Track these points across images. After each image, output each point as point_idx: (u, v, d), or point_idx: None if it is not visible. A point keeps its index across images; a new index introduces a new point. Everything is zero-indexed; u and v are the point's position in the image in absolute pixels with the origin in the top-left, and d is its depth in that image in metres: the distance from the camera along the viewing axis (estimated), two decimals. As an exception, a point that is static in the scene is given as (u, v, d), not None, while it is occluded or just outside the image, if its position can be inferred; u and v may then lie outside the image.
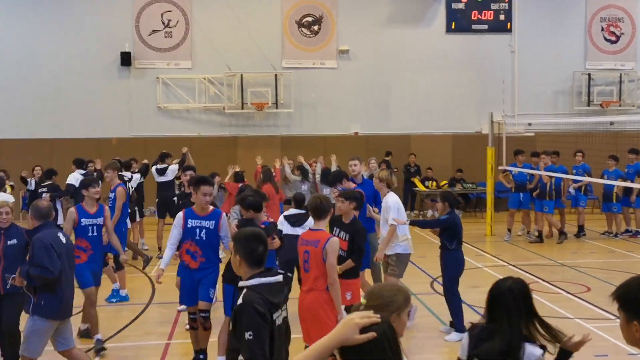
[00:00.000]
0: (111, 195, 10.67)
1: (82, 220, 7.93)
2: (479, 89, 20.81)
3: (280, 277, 3.94)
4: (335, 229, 7.30)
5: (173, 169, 14.03)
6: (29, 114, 19.63)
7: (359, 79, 20.59)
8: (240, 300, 3.80)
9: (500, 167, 16.11)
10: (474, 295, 9.84)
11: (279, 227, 9.23)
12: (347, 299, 6.76)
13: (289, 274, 9.51)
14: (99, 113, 19.80)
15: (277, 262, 9.45)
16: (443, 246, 8.35)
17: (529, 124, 18.42)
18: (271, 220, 8.75)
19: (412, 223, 8.90)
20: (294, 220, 9.20)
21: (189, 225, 7.06)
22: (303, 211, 9.52)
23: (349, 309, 6.57)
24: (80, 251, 7.88)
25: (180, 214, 7.19)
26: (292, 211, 9.63)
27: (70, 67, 19.74)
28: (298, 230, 9.19)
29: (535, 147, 16.87)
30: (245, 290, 3.83)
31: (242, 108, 19.93)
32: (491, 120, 16.38)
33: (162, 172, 14.19)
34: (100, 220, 8.06)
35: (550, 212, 14.86)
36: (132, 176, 14.06)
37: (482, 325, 3.64)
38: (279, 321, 3.85)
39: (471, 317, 8.64)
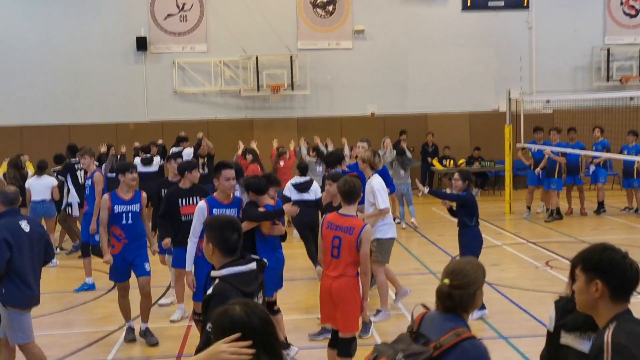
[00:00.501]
0: (88, 182, 10.18)
1: (115, 207, 7.48)
2: (496, 66, 20.62)
3: (253, 265, 3.81)
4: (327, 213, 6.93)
5: (188, 152, 14.15)
6: (46, 100, 19.77)
7: (375, 59, 20.46)
8: (210, 291, 3.69)
9: (518, 145, 15.99)
10: (494, 274, 9.84)
11: (287, 194, 9.80)
12: None
13: (307, 236, 9.93)
14: (116, 98, 19.89)
15: (294, 229, 9.87)
16: (462, 224, 8.30)
17: (547, 101, 18.23)
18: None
19: (431, 192, 9.01)
20: (303, 187, 10.04)
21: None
22: (307, 178, 10.35)
23: None
24: (115, 240, 7.54)
25: (203, 204, 6.67)
26: (298, 179, 10.13)
27: (87, 52, 19.80)
28: (305, 196, 10.03)
29: (554, 124, 16.71)
30: (217, 281, 3.71)
31: (258, 90, 19.91)
32: (509, 98, 16.23)
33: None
34: (136, 207, 7.58)
35: (558, 189, 14.77)
36: (153, 159, 14.26)
37: (568, 296, 3.65)
38: None
39: (491, 295, 8.65)
